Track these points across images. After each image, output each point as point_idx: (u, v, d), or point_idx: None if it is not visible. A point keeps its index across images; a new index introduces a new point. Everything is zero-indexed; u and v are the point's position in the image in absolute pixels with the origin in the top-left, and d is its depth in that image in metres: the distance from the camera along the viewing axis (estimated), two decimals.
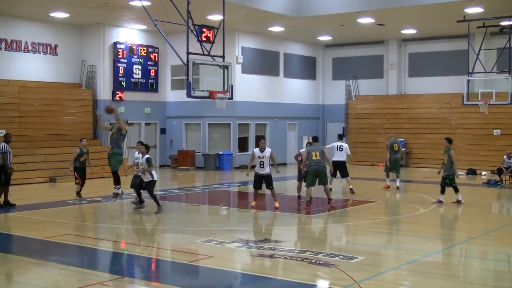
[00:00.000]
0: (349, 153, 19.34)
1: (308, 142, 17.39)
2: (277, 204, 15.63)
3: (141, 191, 15.19)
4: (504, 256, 10.90)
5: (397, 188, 19.79)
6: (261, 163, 15.58)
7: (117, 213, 15.90)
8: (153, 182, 14.97)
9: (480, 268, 10.02)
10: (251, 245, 11.18)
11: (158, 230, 13.47)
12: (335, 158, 18.98)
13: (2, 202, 15.89)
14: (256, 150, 15.74)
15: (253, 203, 16.00)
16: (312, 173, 15.69)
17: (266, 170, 15.64)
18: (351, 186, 18.96)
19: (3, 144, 15.97)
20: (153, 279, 9.29)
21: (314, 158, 15.67)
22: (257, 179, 15.80)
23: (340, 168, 18.98)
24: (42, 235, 12.14)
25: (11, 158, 16.07)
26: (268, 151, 15.61)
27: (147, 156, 14.83)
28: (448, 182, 16.33)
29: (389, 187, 20.06)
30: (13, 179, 20.90)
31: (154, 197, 14.96)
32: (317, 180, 15.81)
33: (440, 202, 16.40)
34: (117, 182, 15.89)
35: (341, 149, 19.05)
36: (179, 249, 11.29)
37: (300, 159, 16.75)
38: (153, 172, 14.96)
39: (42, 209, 15.72)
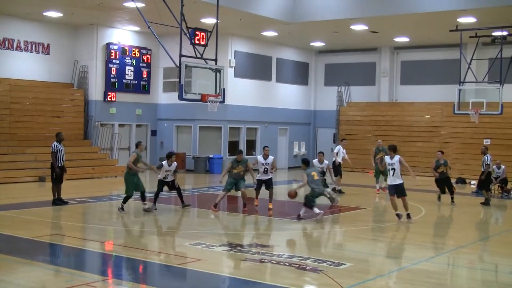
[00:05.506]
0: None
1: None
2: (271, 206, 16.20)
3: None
4: (492, 265, 10.93)
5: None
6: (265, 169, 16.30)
7: (106, 214, 15.86)
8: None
9: (467, 277, 10.05)
10: (240, 249, 11.16)
11: (146, 232, 13.43)
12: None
13: (55, 199, 16.21)
14: (260, 157, 16.35)
15: (256, 202, 16.48)
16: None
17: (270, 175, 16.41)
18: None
19: (54, 143, 16.20)
20: (140, 281, 9.27)
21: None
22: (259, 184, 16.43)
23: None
24: (30, 234, 12.07)
25: (63, 157, 16.28)
26: (270, 158, 16.27)
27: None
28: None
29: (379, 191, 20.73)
30: (2, 177, 21.00)
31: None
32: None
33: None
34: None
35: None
36: (167, 251, 11.26)
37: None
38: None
39: (31, 209, 15.62)
